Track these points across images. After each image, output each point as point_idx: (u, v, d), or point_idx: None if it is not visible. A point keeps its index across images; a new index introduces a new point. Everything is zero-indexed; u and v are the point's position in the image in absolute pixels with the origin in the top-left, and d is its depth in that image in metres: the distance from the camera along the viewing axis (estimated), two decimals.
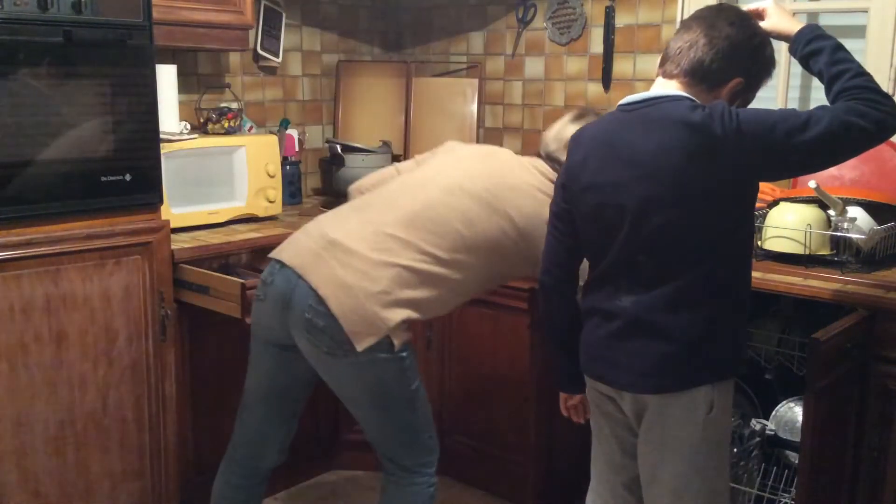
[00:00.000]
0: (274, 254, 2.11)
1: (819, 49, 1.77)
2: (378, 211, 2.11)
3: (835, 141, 1.65)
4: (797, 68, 2.97)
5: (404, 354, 2.03)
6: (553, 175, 2.13)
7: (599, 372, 1.88)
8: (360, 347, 1.95)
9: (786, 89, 2.92)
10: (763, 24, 1.85)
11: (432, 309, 2.09)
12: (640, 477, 1.89)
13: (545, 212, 2.00)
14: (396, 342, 1.99)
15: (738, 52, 1.76)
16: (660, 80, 1.82)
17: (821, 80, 1.78)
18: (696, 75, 1.76)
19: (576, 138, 1.89)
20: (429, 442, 2.16)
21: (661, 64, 1.82)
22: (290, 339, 2.06)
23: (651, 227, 1.72)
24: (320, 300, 1.96)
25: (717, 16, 1.78)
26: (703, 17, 1.79)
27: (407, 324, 2.02)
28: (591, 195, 1.80)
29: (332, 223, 2.11)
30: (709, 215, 1.72)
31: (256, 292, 2.14)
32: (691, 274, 1.74)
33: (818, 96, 2.94)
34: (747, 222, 1.82)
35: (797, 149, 1.65)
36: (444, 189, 2.12)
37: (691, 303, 1.75)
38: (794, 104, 2.98)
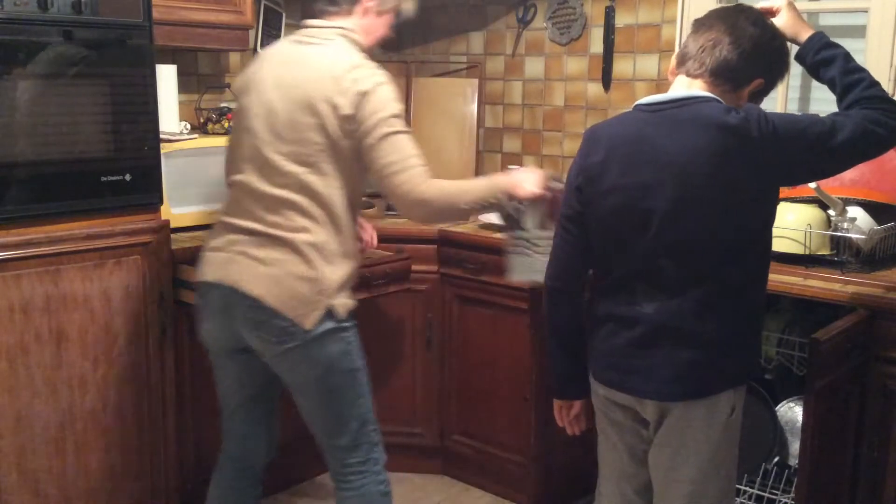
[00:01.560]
0: (198, 277, 2.13)
1: (832, 58, 1.82)
2: (245, 183, 2.08)
3: (856, 147, 1.73)
4: (797, 69, 2.97)
5: (347, 325, 2.06)
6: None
7: (617, 380, 1.83)
8: (308, 325, 1.99)
9: (786, 90, 2.92)
10: (775, 22, 1.86)
11: (345, 246, 2.06)
12: (654, 480, 1.87)
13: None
14: (340, 310, 2.03)
15: (762, 52, 1.76)
16: (682, 80, 1.78)
17: (832, 87, 1.84)
18: (722, 75, 1.74)
19: (593, 137, 1.81)
20: (373, 436, 2.17)
21: (681, 63, 1.79)
22: (243, 341, 2.09)
23: (680, 231, 1.70)
24: (256, 300, 1.99)
25: (738, 16, 1.77)
26: (723, 17, 1.78)
27: (344, 285, 2.05)
28: (614, 198, 1.74)
29: (228, 221, 2.11)
30: (738, 218, 1.72)
31: (199, 315, 2.17)
32: (717, 279, 1.73)
33: (818, 96, 2.95)
34: (770, 227, 1.83)
35: (828, 153, 1.72)
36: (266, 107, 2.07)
37: (717, 308, 1.74)
38: (793, 105, 2.98)
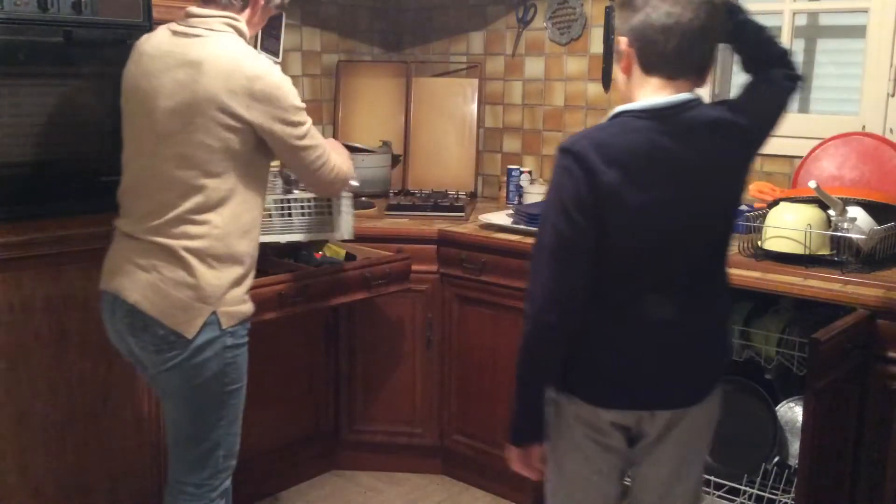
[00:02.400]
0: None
1: (748, 20, 1.76)
2: (132, 188, 2.04)
3: (789, 106, 1.79)
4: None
5: (235, 337, 1.99)
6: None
7: (628, 399, 1.71)
8: (190, 334, 1.92)
9: None
10: None
11: (234, 250, 1.97)
12: (649, 495, 1.81)
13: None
14: (225, 319, 1.95)
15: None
16: (663, 84, 1.63)
17: (745, 47, 1.78)
18: (703, 73, 1.67)
19: (601, 154, 1.57)
20: (222, 462, 2.08)
21: (658, 67, 1.63)
22: (135, 351, 2.03)
23: (700, 242, 1.68)
24: (133, 307, 1.94)
25: None
26: None
27: (231, 291, 1.97)
28: (634, 217, 1.60)
29: (119, 227, 2.05)
30: (734, 212, 1.74)
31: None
32: (722, 280, 1.75)
33: (819, 84, 2.96)
34: None
35: (779, 121, 1.75)
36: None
37: (718, 304, 1.75)
38: (793, 104, 2.98)
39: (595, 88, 3.31)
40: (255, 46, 3.26)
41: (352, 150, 3.38)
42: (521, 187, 3.41)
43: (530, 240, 2.79)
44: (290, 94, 1.97)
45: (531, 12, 3.45)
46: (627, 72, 1.66)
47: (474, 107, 3.57)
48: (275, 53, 3.37)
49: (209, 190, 1.92)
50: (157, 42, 1.99)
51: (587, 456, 1.76)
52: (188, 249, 1.92)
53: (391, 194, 3.52)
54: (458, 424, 3.12)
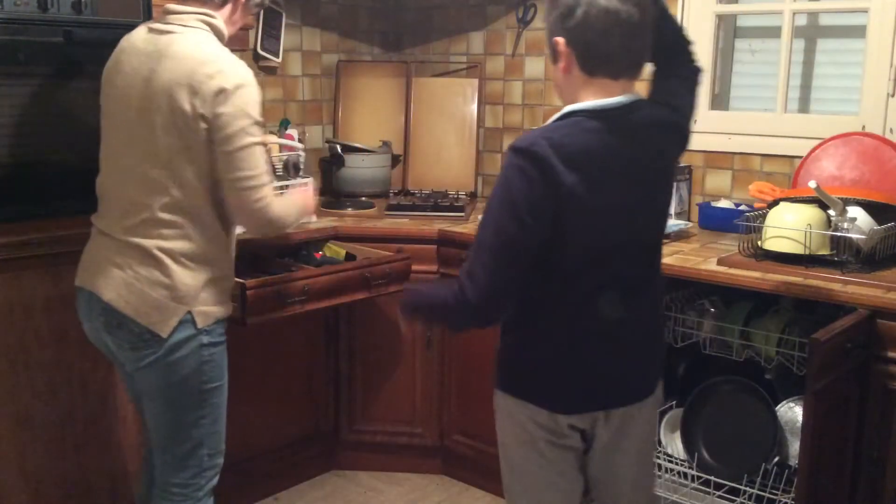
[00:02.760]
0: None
1: (665, 7, 1.77)
2: (106, 186, 2.03)
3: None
4: (796, 70, 2.97)
5: (211, 337, 1.99)
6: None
7: (582, 401, 1.72)
8: (164, 333, 1.92)
9: (786, 90, 2.92)
10: None
11: (209, 250, 1.97)
12: (613, 489, 1.83)
13: None
14: (200, 318, 1.95)
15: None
16: (606, 83, 1.62)
17: (663, 37, 1.76)
18: (641, 69, 1.68)
19: (559, 155, 1.54)
20: (206, 461, 2.07)
21: (606, 64, 1.62)
22: (111, 348, 2.03)
23: (649, 235, 1.73)
24: (108, 304, 1.94)
25: None
26: None
27: (207, 291, 1.97)
28: (590, 219, 1.59)
29: (96, 225, 2.05)
30: (668, 207, 1.83)
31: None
32: (658, 271, 1.81)
33: (819, 84, 2.96)
34: None
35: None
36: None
37: (659, 296, 1.89)
38: (794, 104, 2.99)
39: None
40: (256, 47, 3.27)
41: (352, 150, 3.40)
42: None
43: None
44: (249, 101, 1.90)
45: (531, 12, 3.45)
46: (567, 72, 1.64)
47: (474, 107, 3.57)
48: (275, 53, 3.37)
49: (178, 189, 1.91)
50: (134, 39, 1.98)
51: (549, 460, 1.75)
52: (162, 249, 1.92)
53: (391, 194, 3.52)
54: (458, 424, 3.12)
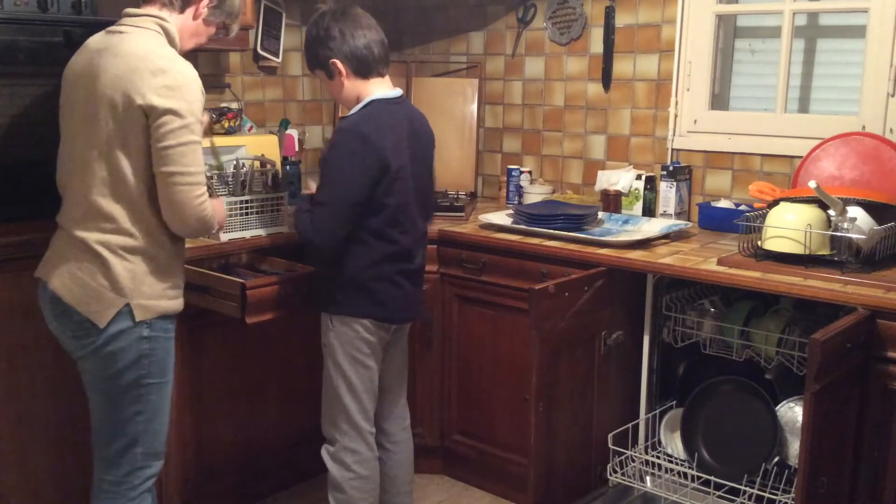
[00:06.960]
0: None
1: None
2: (61, 183, 2.07)
3: None
4: (797, 69, 2.97)
5: (152, 330, 2.01)
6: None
7: (401, 314, 2.44)
8: (102, 323, 1.96)
9: (786, 90, 2.92)
10: None
11: (151, 244, 2.00)
12: (392, 378, 2.53)
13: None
14: (139, 311, 1.98)
15: None
16: (386, 81, 2.38)
17: None
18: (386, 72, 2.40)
19: (379, 133, 2.24)
20: (140, 460, 2.06)
21: (375, 67, 2.33)
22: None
23: (422, 195, 2.41)
24: (53, 294, 1.99)
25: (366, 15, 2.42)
26: (367, 16, 2.43)
27: (146, 285, 1.99)
28: (406, 172, 2.31)
29: (57, 220, 2.07)
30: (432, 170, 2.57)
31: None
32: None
33: (819, 84, 2.96)
34: None
35: None
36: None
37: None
38: (793, 104, 2.99)
39: (595, 88, 3.31)
40: (256, 47, 3.27)
41: None
42: (521, 187, 3.41)
43: (531, 240, 2.81)
44: (192, 99, 1.95)
45: (531, 12, 3.45)
46: (348, 79, 2.33)
47: (474, 107, 3.57)
48: (275, 53, 3.37)
49: (117, 182, 1.95)
50: (89, 40, 2.05)
51: (367, 366, 2.40)
52: (100, 242, 1.96)
53: None
54: (458, 424, 3.12)
